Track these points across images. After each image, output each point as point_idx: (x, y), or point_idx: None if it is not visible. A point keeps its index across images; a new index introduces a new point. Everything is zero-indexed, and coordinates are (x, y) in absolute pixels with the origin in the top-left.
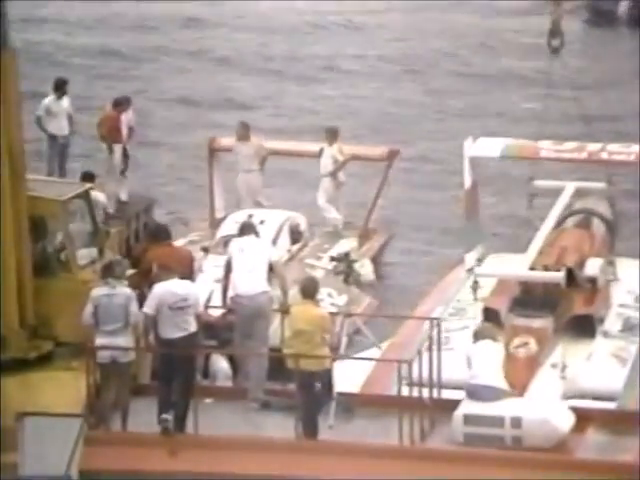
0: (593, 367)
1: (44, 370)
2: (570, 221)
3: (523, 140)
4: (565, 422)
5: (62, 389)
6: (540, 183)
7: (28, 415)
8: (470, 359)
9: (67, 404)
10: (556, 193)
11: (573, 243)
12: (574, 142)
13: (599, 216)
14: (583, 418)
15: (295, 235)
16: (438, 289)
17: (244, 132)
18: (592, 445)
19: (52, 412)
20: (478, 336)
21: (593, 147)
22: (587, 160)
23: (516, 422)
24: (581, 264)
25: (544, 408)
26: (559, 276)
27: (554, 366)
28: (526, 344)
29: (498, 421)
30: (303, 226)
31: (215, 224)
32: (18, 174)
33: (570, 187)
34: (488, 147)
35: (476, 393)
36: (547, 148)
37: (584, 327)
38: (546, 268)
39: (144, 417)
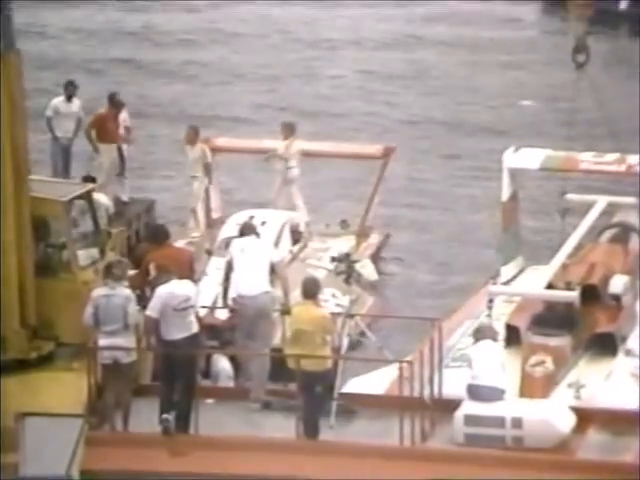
0: (610, 387)
1: (45, 370)
2: (607, 235)
3: (563, 152)
4: (566, 422)
5: (63, 389)
6: (572, 197)
7: (29, 415)
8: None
9: (68, 404)
10: (589, 207)
11: (603, 259)
12: (614, 154)
13: (638, 231)
14: (584, 418)
15: (295, 235)
16: (470, 303)
17: (192, 136)
18: (593, 445)
19: (53, 412)
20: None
21: (633, 159)
22: (626, 173)
23: (517, 422)
24: (607, 281)
25: (545, 408)
26: (572, 295)
27: (571, 386)
28: (543, 363)
29: (499, 421)
30: (302, 226)
31: (212, 224)
32: (21, 175)
33: (602, 201)
34: (528, 158)
35: (477, 393)
36: (587, 160)
37: (606, 345)
38: (569, 284)
39: (145, 417)
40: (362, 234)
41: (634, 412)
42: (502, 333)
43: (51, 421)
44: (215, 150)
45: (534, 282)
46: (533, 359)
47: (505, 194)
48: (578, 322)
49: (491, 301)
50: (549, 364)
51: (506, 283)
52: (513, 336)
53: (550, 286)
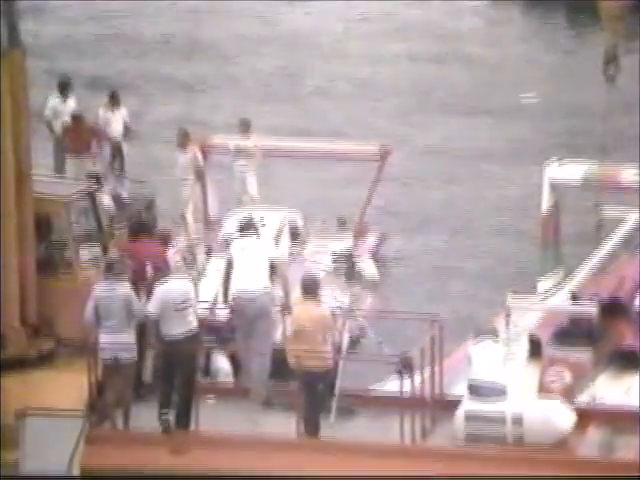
0: (629, 401)
1: (45, 368)
2: None
3: (606, 165)
4: (566, 420)
5: (63, 387)
6: (607, 210)
7: (29, 413)
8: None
9: (68, 402)
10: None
11: (633, 273)
12: None
13: None
14: (584, 416)
15: (294, 234)
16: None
17: (183, 139)
18: (593, 443)
19: (53, 410)
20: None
21: None
22: None
23: (517, 420)
24: (634, 295)
25: (545, 406)
26: (590, 309)
27: (590, 399)
28: (561, 376)
29: (499, 419)
30: (300, 225)
31: (209, 224)
32: (24, 173)
33: (635, 215)
34: (569, 171)
35: (477, 391)
36: (629, 174)
37: (629, 360)
38: (593, 297)
39: (146, 415)
40: (359, 233)
41: (634, 410)
42: (527, 346)
43: (52, 419)
44: (211, 149)
45: (556, 294)
46: (552, 372)
47: (545, 206)
48: (599, 336)
49: (508, 315)
50: (567, 377)
51: (543, 297)
52: (536, 349)
53: (576, 298)
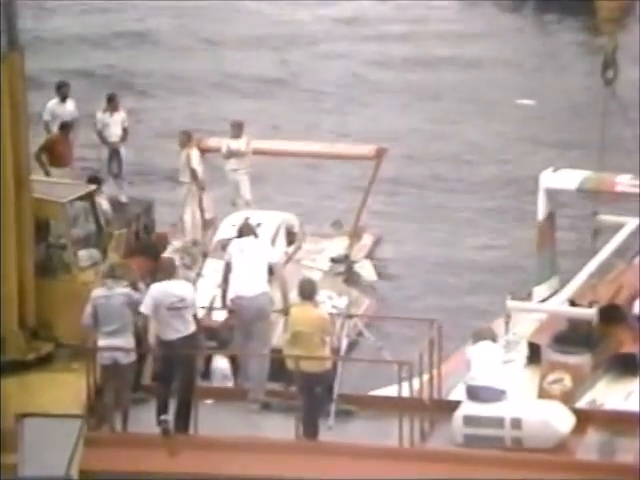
0: (629, 406)
1: (44, 371)
2: None
3: (602, 173)
4: (565, 423)
5: (62, 390)
6: (604, 218)
7: (28, 416)
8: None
9: (67, 405)
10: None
11: (632, 280)
12: None
13: None
14: (583, 419)
15: (290, 237)
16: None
17: (184, 140)
18: (592, 446)
19: (52, 413)
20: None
21: None
22: None
23: (516, 423)
24: (632, 302)
25: (544, 409)
26: (589, 313)
27: (590, 404)
28: (561, 380)
29: (498, 422)
30: (297, 227)
31: (205, 225)
32: (22, 176)
33: (632, 223)
34: (565, 179)
35: (476, 394)
36: (624, 182)
37: (628, 366)
38: (592, 303)
39: (144, 418)
40: (355, 235)
41: (633, 413)
42: (525, 351)
43: (50, 422)
44: (206, 150)
45: (554, 300)
46: (551, 376)
47: (541, 214)
48: (598, 341)
49: (509, 316)
50: (567, 382)
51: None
52: (535, 354)
53: (574, 305)
